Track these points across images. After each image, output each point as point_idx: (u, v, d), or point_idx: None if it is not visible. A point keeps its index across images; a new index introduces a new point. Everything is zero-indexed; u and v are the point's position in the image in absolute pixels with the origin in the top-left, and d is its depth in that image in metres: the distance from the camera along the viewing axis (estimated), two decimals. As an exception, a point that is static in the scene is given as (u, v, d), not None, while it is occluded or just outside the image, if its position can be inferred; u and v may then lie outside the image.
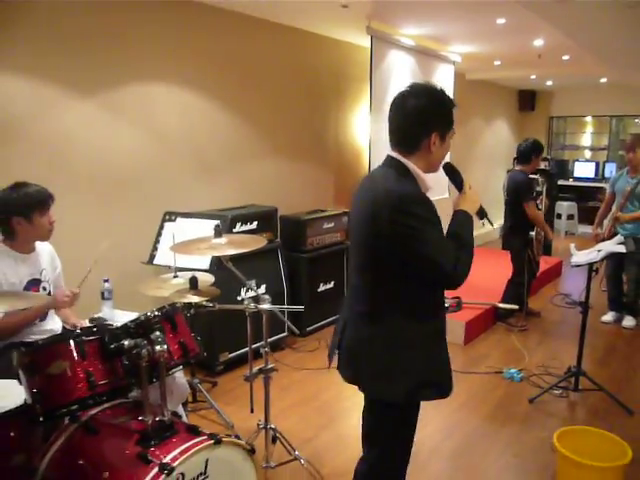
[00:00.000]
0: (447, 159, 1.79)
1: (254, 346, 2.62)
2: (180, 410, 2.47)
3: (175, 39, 3.87)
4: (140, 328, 1.82)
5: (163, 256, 3.59)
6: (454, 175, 1.81)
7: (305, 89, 5.09)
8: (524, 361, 3.98)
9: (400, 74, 5.22)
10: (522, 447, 2.89)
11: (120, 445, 1.73)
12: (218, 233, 2.46)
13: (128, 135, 3.68)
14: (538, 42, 5.27)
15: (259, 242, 2.55)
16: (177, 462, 1.58)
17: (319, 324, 4.51)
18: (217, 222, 3.43)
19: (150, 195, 3.84)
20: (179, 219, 3.74)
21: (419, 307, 1.68)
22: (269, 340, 2.54)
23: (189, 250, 2.42)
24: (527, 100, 9.72)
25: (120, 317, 2.57)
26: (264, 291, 3.83)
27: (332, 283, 4.63)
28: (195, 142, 4.13)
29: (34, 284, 2.41)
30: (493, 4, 3.96)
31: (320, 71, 5.24)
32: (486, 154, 8.74)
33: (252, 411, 2.76)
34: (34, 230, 2.35)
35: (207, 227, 3.47)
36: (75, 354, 1.71)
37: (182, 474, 1.60)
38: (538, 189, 4.90)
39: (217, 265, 3.36)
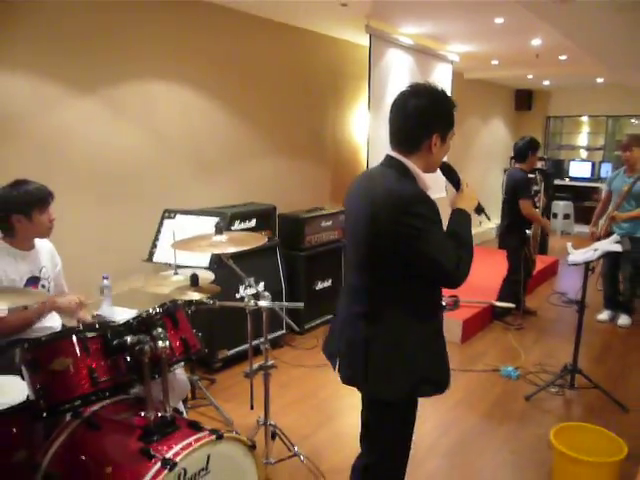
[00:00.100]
0: (444, 158, 1.79)
1: (254, 343, 2.64)
2: (181, 406, 2.48)
3: (175, 37, 3.87)
4: (142, 324, 1.83)
5: (162, 253, 3.59)
6: (451, 174, 1.81)
7: (303, 87, 5.10)
8: (521, 359, 4.00)
9: (398, 73, 5.23)
10: (519, 444, 2.91)
11: (123, 441, 1.74)
12: (219, 230, 2.47)
13: (128, 133, 3.68)
14: (536, 42, 5.30)
15: (259, 240, 2.56)
16: (179, 457, 1.59)
17: (317, 322, 4.53)
18: (217, 219, 3.45)
19: (149, 193, 3.84)
20: (178, 216, 3.74)
21: (419, 307, 1.67)
22: (268, 338, 2.55)
23: (190, 247, 2.44)
24: (524, 100, 9.74)
25: (119, 314, 2.57)
26: (263, 289, 3.85)
27: (330, 281, 4.65)
28: (194, 140, 4.14)
29: (34, 282, 2.41)
30: (492, 4, 3.98)
31: (318, 69, 5.25)
32: (483, 153, 8.77)
33: (252, 407, 2.77)
34: (34, 228, 2.36)
35: (206, 224, 3.48)
36: (78, 350, 1.71)
37: (184, 469, 1.61)
38: (536, 188, 4.92)
39: (217, 263, 3.37)
